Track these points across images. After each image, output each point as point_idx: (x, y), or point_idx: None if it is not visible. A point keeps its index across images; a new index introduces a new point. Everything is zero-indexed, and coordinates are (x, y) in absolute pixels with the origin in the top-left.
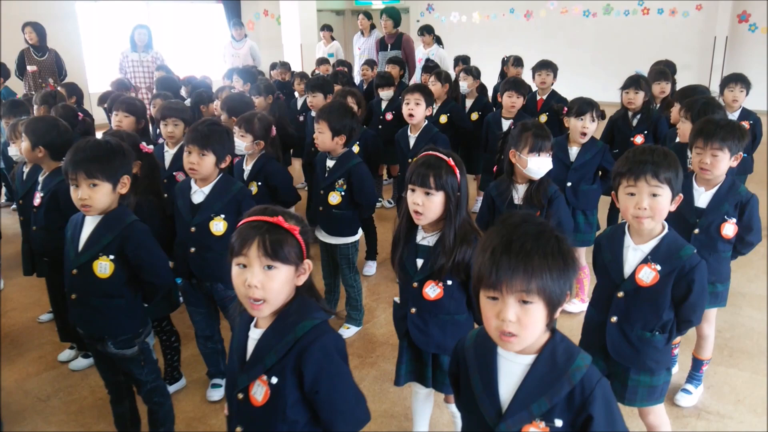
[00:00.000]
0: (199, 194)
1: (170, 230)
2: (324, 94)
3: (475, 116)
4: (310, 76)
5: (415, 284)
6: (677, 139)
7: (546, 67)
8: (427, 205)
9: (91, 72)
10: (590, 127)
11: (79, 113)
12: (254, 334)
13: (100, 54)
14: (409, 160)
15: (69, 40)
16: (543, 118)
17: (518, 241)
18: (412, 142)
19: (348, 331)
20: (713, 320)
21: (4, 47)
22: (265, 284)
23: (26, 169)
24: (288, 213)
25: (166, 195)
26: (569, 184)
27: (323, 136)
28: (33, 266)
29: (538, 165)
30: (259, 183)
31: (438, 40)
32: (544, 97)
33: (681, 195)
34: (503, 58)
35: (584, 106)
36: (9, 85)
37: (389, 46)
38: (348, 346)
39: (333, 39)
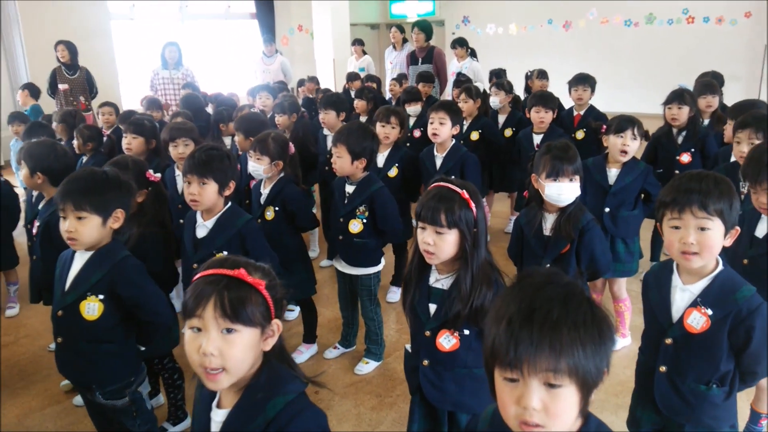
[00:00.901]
0: (202, 228)
1: (173, 265)
2: (337, 112)
3: (508, 132)
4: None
5: (428, 333)
6: (732, 159)
7: (583, 81)
8: (439, 244)
9: (125, 90)
10: (631, 146)
11: (105, 131)
12: (217, 416)
13: (135, 72)
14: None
15: (103, 58)
16: (580, 134)
17: (542, 309)
18: (438, 162)
19: (367, 366)
20: None
21: (39, 65)
22: (224, 351)
23: (35, 193)
24: (252, 264)
25: (182, 221)
26: (607, 209)
27: (342, 161)
28: (39, 294)
29: (556, 191)
30: (277, 208)
31: (472, 53)
32: (582, 113)
33: (737, 228)
34: (526, 73)
35: (624, 123)
36: (42, 104)
37: (420, 60)
38: (366, 383)
39: (365, 53)
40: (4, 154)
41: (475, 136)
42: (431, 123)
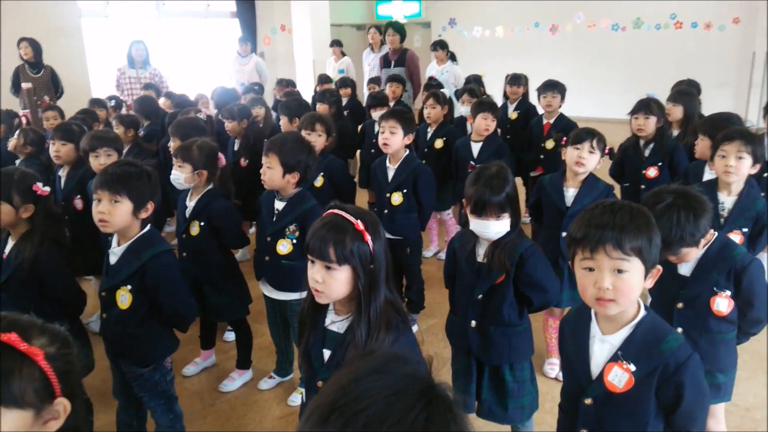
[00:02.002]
0: (113, 255)
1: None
2: (290, 117)
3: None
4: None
5: (320, 383)
6: (705, 175)
7: (552, 87)
8: (328, 282)
9: (96, 89)
10: (588, 159)
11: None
12: None
13: (108, 71)
14: (387, 195)
15: (74, 57)
16: (550, 144)
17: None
18: (390, 174)
19: (301, 396)
20: (721, 417)
21: (7, 63)
22: None
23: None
24: (38, 327)
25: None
26: (564, 234)
27: (272, 173)
28: None
29: (480, 228)
30: (202, 223)
31: (452, 57)
32: (551, 121)
33: (659, 267)
34: (506, 76)
35: (583, 134)
36: (5, 103)
37: (393, 62)
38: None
39: (344, 54)
40: None
41: (439, 143)
42: (382, 132)
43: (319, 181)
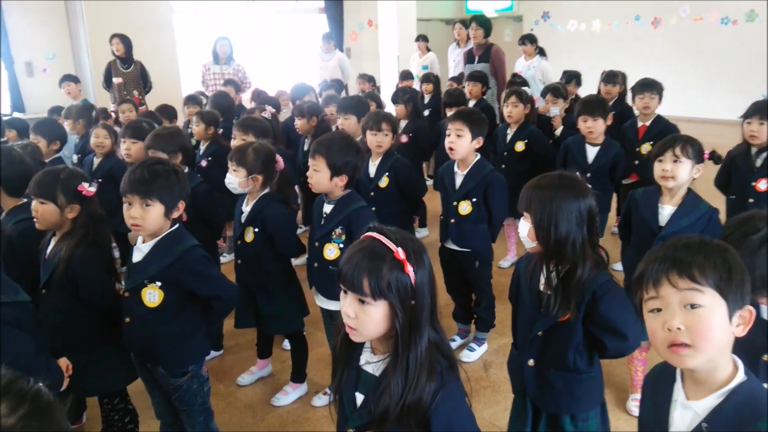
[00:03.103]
0: (138, 252)
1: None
2: (358, 117)
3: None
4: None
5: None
6: None
7: (649, 87)
8: (361, 318)
9: (185, 85)
10: (674, 170)
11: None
12: None
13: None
14: (454, 203)
15: (164, 53)
16: (645, 148)
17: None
18: (458, 180)
19: None
20: None
21: (103, 59)
22: None
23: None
24: None
25: None
26: None
27: (318, 176)
28: None
29: (524, 231)
30: (256, 229)
31: (541, 51)
32: (647, 124)
33: (751, 309)
34: (601, 73)
35: (665, 143)
36: (99, 97)
37: (477, 58)
38: None
39: (428, 50)
40: None
41: (520, 146)
42: (447, 135)
43: (383, 182)
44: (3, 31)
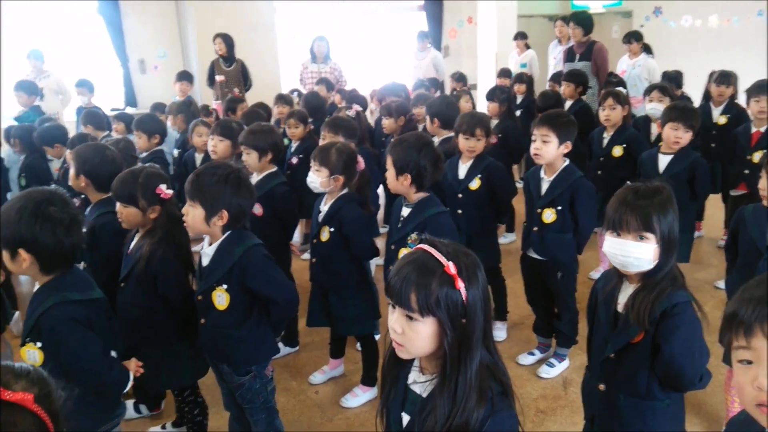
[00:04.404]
0: (205, 257)
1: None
2: (396, 117)
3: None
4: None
5: None
6: None
7: (766, 90)
8: (409, 334)
9: (285, 82)
10: None
11: None
12: None
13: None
14: (538, 210)
15: (266, 51)
16: (757, 156)
17: None
18: (544, 187)
19: None
20: None
21: (209, 57)
22: None
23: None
24: (12, 370)
25: None
26: None
27: (388, 174)
28: None
29: (613, 248)
30: (332, 229)
31: (647, 49)
32: (762, 130)
33: None
34: (711, 73)
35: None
36: (202, 94)
37: (578, 56)
38: None
39: (528, 47)
40: None
41: (618, 151)
42: (533, 140)
43: (475, 184)
44: (121, 30)
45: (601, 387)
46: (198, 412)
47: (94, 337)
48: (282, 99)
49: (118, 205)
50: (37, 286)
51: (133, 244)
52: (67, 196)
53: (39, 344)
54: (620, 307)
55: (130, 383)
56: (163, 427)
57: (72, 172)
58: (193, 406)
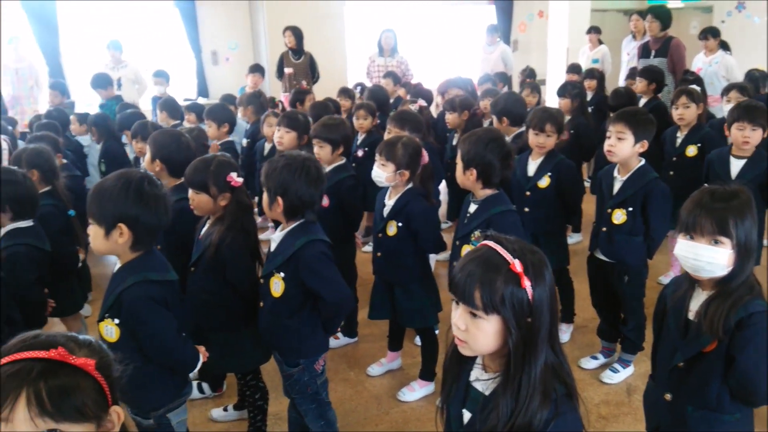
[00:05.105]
0: (273, 242)
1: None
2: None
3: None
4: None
5: None
6: None
7: None
8: (472, 331)
9: (352, 74)
10: None
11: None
12: None
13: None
14: (608, 210)
15: (334, 43)
16: None
17: None
18: (617, 186)
19: None
20: None
21: (279, 49)
22: None
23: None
24: (75, 340)
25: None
26: None
27: (456, 168)
28: None
29: (686, 252)
30: (400, 223)
31: (724, 45)
32: None
33: None
34: None
35: None
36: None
37: (653, 52)
38: None
39: (600, 43)
40: None
41: (692, 151)
42: (608, 137)
43: (544, 182)
44: (195, 22)
45: (668, 397)
46: (259, 396)
47: (170, 315)
48: (345, 93)
49: (191, 192)
50: (117, 267)
51: (203, 230)
52: (156, 179)
53: (117, 321)
54: (691, 315)
55: (200, 363)
56: (225, 409)
57: (147, 156)
58: (254, 390)
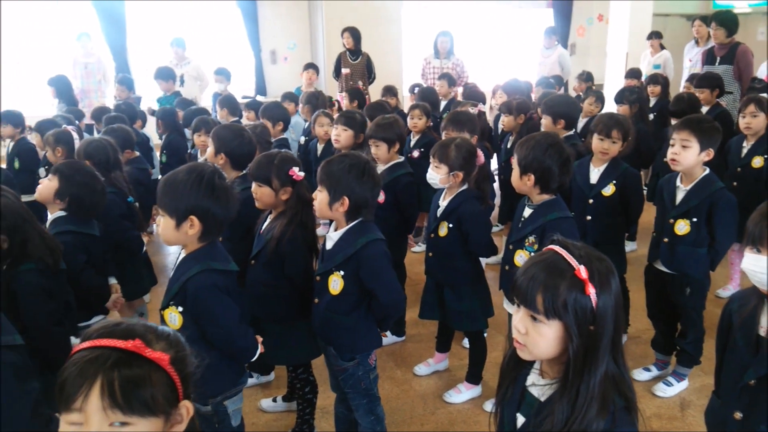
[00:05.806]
0: (329, 240)
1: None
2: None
3: (758, 161)
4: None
5: None
6: None
7: None
8: (532, 336)
9: (407, 76)
10: None
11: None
12: None
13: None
14: (670, 221)
15: (391, 44)
16: None
17: None
18: (680, 196)
19: None
20: None
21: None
22: None
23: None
24: (153, 331)
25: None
26: None
27: (513, 172)
28: None
29: (753, 266)
30: (451, 225)
31: None
32: None
33: None
34: None
35: None
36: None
37: (718, 59)
38: None
39: (662, 48)
40: None
41: (758, 161)
42: (671, 145)
43: (609, 190)
44: (256, 22)
45: (738, 416)
46: (309, 389)
47: (233, 304)
48: (389, 91)
49: (254, 185)
50: (181, 256)
51: (265, 225)
52: (223, 172)
53: (181, 308)
54: (762, 331)
55: (258, 352)
56: (274, 400)
57: (210, 150)
58: (305, 383)
